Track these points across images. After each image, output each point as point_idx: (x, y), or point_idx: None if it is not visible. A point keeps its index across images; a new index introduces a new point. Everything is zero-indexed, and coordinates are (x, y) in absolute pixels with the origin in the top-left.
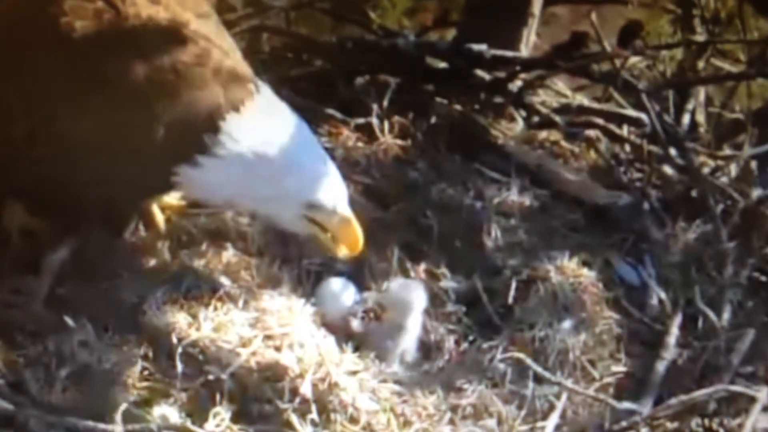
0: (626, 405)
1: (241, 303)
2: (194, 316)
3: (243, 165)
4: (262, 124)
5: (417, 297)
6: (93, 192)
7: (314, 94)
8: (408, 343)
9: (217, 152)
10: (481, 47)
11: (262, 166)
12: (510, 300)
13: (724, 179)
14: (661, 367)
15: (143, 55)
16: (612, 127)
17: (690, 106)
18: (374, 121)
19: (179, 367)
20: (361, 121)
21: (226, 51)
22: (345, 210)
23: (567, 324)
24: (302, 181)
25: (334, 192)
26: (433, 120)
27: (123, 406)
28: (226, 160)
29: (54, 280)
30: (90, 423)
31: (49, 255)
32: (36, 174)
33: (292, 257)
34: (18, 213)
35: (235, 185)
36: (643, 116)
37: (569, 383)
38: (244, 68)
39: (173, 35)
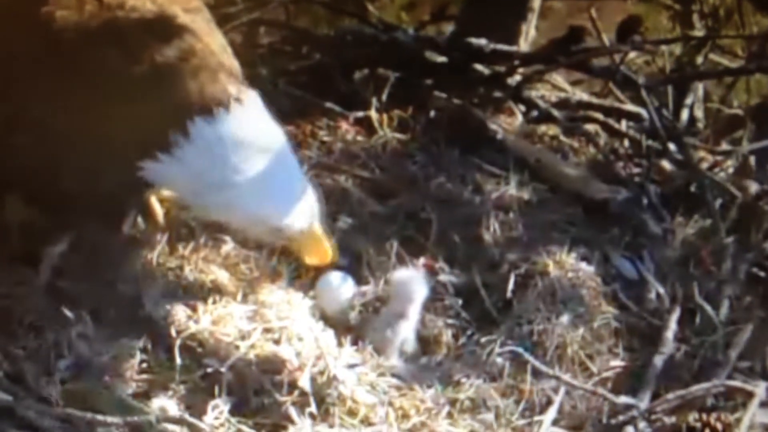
0: (624, 399)
1: (239, 296)
2: (193, 309)
3: (200, 174)
4: (231, 137)
5: (419, 286)
6: (75, 181)
7: (313, 88)
8: (407, 332)
9: (176, 153)
10: (480, 41)
11: (220, 182)
12: (508, 294)
13: (722, 174)
14: (659, 361)
15: (122, 46)
16: (611, 121)
17: (689, 101)
18: (373, 114)
19: (178, 359)
20: (360, 114)
21: (213, 50)
22: (316, 228)
23: (565, 318)
24: (272, 207)
25: (305, 215)
26: (432, 114)
27: (121, 398)
28: (185, 164)
29: (53, 272)
30: (89, 415)
31: (48, 247)
32: (17, 162)
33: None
34: (18, 206)
35: (193, 191)
36: (642, 111)
37: (567, 377)
38: (231, 70)
39: (156, 28)
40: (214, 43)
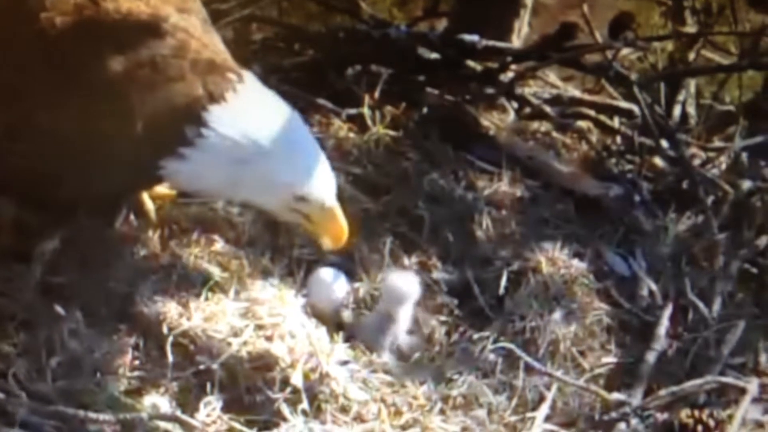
0: (616, 396)
1: (232, 293)
2: (185, 306)
3: (229, 157)
4: (248, 115)
5: (411, 288)
6: (79, 185)
7: (306, 85)
8: (398, 335)
9: (199, 144)
10: (473, 38)
11: (250, 158)
12: (501, 291)
13: (714, 171)
14: (651, 358)
15: (121, 49)
16: (603, 118)
17: (681, 97)
18: (366, 111)
19: (170, 356)
20: (352, 111)
21: (206, 43)
22: (332, 203)
23: (557, 315)
24: (293, 174)
25: (323, 185)
26: (425, 111)
27: (113, 396)
28: (210, 152)
29: (45, 269)
30: (80, 412)
31: (40, 244)
32: (19, 168)
33: (283, 247)
34: (10, 203)
35: (221, 177)
36: (635, 108)
37: (559, 374)
38: (226, 60)
39: (151, 29)
40: (207, 38)
